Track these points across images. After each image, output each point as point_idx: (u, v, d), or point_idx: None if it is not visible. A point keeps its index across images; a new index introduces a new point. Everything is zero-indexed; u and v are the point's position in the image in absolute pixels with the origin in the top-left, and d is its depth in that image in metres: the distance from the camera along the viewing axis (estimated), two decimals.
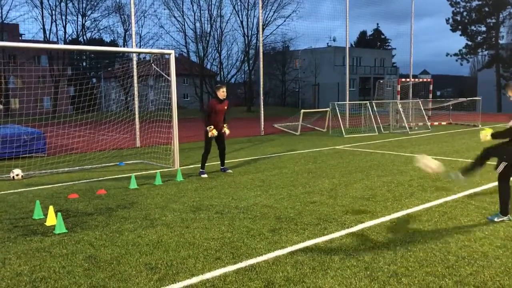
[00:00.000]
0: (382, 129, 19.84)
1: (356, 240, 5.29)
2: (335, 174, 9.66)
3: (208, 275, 4.33)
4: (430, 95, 24.46)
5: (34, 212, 6.54)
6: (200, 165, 9.96)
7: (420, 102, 22.06)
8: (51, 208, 6.26)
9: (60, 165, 11.12)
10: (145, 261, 4.73)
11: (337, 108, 19.53)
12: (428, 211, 6.55)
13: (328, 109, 20.69)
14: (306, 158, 12.13)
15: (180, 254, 4.92)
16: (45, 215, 6.34)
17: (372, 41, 77.23)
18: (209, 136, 9.50)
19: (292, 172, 10.02)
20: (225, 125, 9.79)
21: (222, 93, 9.53)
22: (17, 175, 9.68)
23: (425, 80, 26.36)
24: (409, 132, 19.48)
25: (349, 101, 23.25)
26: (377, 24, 75.76)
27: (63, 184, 9.15)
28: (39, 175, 10.23)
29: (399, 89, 22.87)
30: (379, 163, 11.05)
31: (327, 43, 59.48)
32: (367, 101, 20.80)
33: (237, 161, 11.88)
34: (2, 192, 8.39)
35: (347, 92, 23.74)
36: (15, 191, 8.52)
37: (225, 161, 10.36)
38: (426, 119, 21.73)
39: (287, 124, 21.19)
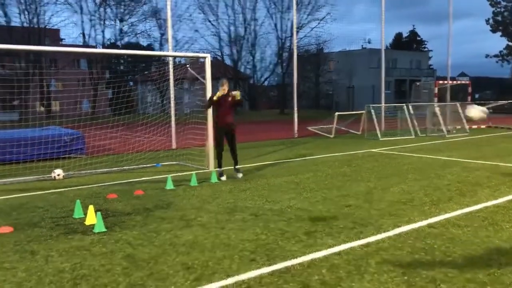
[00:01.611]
0: (418, 132, 19.44)
1: (393, 245, 5.21)
2: (371, 177, 9.53)
3: (244, 276, 4.35)
4: (469, 98, 23.81)
5: (75, 211, 6.74)
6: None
7: (458, 104, 21.51)
8: (91, 208, 6.44)
9: (98, 166, 11.42)
10: (181, 260, 4.80)
11: (372, 111, 19.27)
12: (467, 216, 6.38)
13: (363, 111, 20.44)
14: (341, 161, 12.02)
15: (215, 254, 4.97)
16: (85, 214, 6.53)
17: (408, 43, 75.90)
18: (214, 98, 9.39)
19: (327, 175, 9.95)
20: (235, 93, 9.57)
21: (221, 90, 9.39)
22: (58, 175, 10.00)
23: (463, 82, 25.69)
24: (447, 136, 19.02)
25: (384, 103, 22.90)
26: (413, 25, 74.52)
27: (102, 184, 9.40)
28: (79, 175, 10.53)
29: (436, 92, 22.36)
30: (416, 167, 10.84)
31: (362, 45, 58.90)
32: (403, 104, 20.43)
33: (270, 164, 11.89)
34: (45, 192, 8.69)
35: (383, 95, 23.40)
36: (56, 190, 8.81)
37: (257, 163, 10.38)
38: (465, 122, 21.16)
39: (321, 126, 21.06)
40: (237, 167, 9.94)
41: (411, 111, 19.68)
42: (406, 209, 6.80)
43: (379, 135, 18.27)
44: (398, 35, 76.44)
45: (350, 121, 21.77)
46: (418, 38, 78.04)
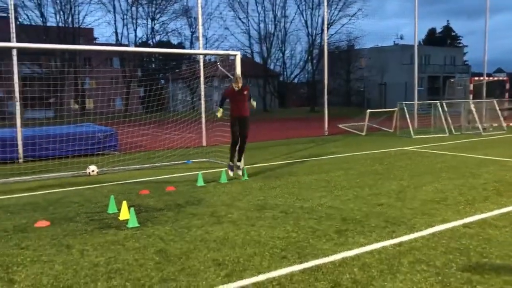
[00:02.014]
0: (453, 130, 18.98)
1: (427, 245, 5.11)
2: (404, 176, 9.37)
3: (275, 273, 4.35)
4: (506, 95, 23.08)
5: (109, 206, 6.89)
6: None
7: (495, 101, 20.88)
8: (124, 203, 6.57)
9: (131, 162, 11.63)
10: (212, 256, 4.84)
11: (405, 108, 18.93)
12: (504, 217, 6.20)
13: (395, 109, 20.10)
14: (373, 159, 11.86)
15: (246, 251, 4.99)
16: (119, 209, 6.66)
17: (442, 38, 74.19)
18: (218, 116, 9.53)
19: (358, 173, 9.84)
20: (252, 99, 9.60)
21: (234, 85, 9.25)
22: (92, 171, 10.23)
23: (500, 78, 24.93)
24: (483, 133, 18.50)
25: (417, 100, 22.46)
26: (447, 21, 72.76)
27: (135, 180, 9.57)
28: (112, 171, 10.75)
29: (471, 88, 21.77)
30: (450, 165, 10.59)
31: (394, 41, 57.93)
32: (437, 101, 19.99)
33: (300, 161, 11.84)
34: (80, 187, 8.91)
35: (416, 92, 22.94)
36: (91, 186, 9.02)
37: (287, 161, 10.34)
38: (502, 119, 20.53)
39: (352, 124, 20.83)
40: (239, 164, 9.62)
41: (445, 108, 19.22)
42: (439, 208, 6.66)
43: (412, 132, 17.93)
44: (432, 31, 74.81)
45: (382, 119, 21.44)
46: (453, 34, 76.16)
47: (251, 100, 9.60)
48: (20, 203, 7.60)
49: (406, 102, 20.02)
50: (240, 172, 9.51)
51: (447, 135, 18.12)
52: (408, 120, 18.58)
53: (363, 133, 19.44)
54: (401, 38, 55.42)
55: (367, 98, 55.33)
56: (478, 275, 4.26)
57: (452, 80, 26.89)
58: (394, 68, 52.85)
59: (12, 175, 10.04)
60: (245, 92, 9.35)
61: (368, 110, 20.42)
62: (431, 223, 5.92)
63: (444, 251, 4.90)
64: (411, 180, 8.90)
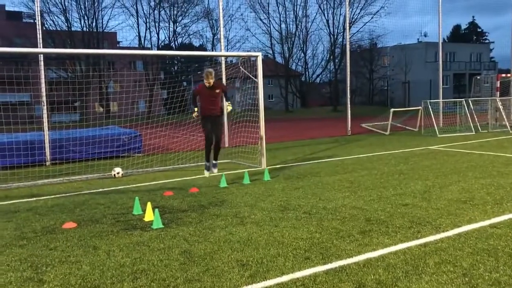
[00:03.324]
0: (479, 128, 18.60)
1: (453, 245, 5.02)
2: (429, 175, 9.23)
3: (298, 274, 4.35)
4: None
5: (134, 208, 6.99)
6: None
7: None
8: (149, 205, 6.66)
9: (155, 164, 11.78)
10: (236, 257, 4.86)
11: (430, 106, 18.65)
12: None
13: (419, 107, 19.82)
14: (397, 159, 11.73)
15: (269, 252, 5.00)
16: (144, 211, 6.76)
17: (467, 35, 72.82)
18: (193, 116, 9.16)
19: (382, 173, 9.74)
20: (227, 102, 9.23)
21: (206, 83, 8.78)
22: (117, 173, 10.40)
23: None
24: (510, 131, 18.07)
25: (442, 98, 22.09)
26: (473, 17, 71.31)
27: (159, 181, 9.69)
28: (137, 173, 10.91)
29: (498, 85, 21.30)
30: (476, 164, 10.39)
31: (418, 39, 57.10)
32: (463, 99, 19.62)
33: (323, 162, 11.79)
34: (106, 189, 9.07)
35: (440, 90, 22.57)
36: (116, 188, 9.16)
37: (310, 161, 10.29)
38: None
39: (376, 123, 20.63)
40: (215, 162, 9.35)
41: (471, 106, 18.86)
42: (466, 209, 6.54)
43: (437, 131, 17.65)
44: (457, 27, 73.47)
45: (406, 118, 21.18)
46: (479, 30, 74.67)
47: (227, 103, 9.23)
48: (48, 205, 7.78)
49: (431, 101, 19.73)
50: (215, 170, 9.29)
51: (474, 133, 17.77)
52: (433, 119, 18.29)
53: (387, 133, 19.23)
54: (425, 35, 54.52)
55: (391, 97, 54.72)
56: (506, 276, 4.17)
57: (478, 77, 26.36)
58: (418, 66, 52.09)
59: (40, 177, 10.29)
60: (218, 91, 8.94)
61: (392, 109, 20.19)
62: (458, 223, 5.82)
63: (471, 252, 4.81)
64: (436, 179, 8.76)
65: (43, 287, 4.27)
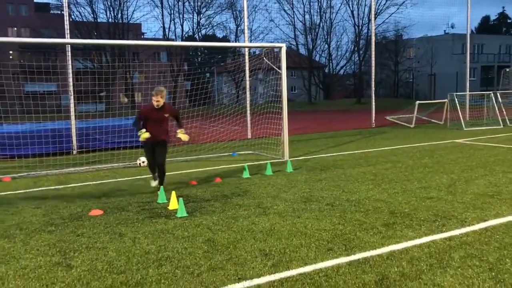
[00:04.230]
0: (507, 122, 18.16)
1: (479, 239, 4.95)
2: (454, 169, 9.09)
3: (321, 265, 4.36)
4: None
5: (158, 196, 7.09)
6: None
7: None
8: (173, 194, 6.75)
9: (179, 154, 11.89)
10: (259, 247, 4.90)
11: (456, 99, 18.29)
12: None
13: (445, 100, 19.46)
14: (422, 152, 11.57)
15: (292, 242, 5.02)
16: (168, 199, 6.85)
17: (497, 26, 70.90)
18: (140, 137, 7.55)
19: (407, 166, 9.63)
20: (180, 130, 7.96)
21: (154, 102, 7.51)
22: (143, 162, 10.53)
23: None
24: None
25: (469, 91, 21.63)
26: (503, 7, 69.39)
27: (182, 171, 9.80)
28: None
29: None
30: (504, 158, 10.17)
31: (444, 30, 55.91)
32: (491, 92, 19.18)
33: (346, 154, 11.72)
34: (131, 178, 9.22)
35: (467, 82, 22.10)
36: (141, 177, 9.30)
37: (333, 153, 10.19)
38: None
39: (400, 116, 20.36)
40: (154, 184, 8.02)
41: (499, 99, 18.42)
42: (493, 203, 6.42)
43: (463, 124, 17.32)
44: (486, 18, 71.66)
45: (431, 110, 20.83)
46: (509, 21, 72.61)
47: (180, 130, 7.96)
48: (75, 193, 7.96)
49: (457, 93, 19.34)
50: (153, 183, 8.01)
51: (501, 127, 17.37)
52: (459, 112, 17.95)
53: (412, 125, 18.96)
54: (452, 27, 53.34)
55: (416, 90, 53.82)
56: None
57: (507, 70, 25.71)
58: (445, 58, 51.02)
59: (67, 165, 10.52)
60: (166, 115, 7.73)
61: (417, 102, 19.89)
62: (484, 218, 5.73)
63: (498, 246, 4.74)
64: (462, 173, 8.62)
65: (71, 271, 4.39)
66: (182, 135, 7.92)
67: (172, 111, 7.98)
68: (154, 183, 8.00)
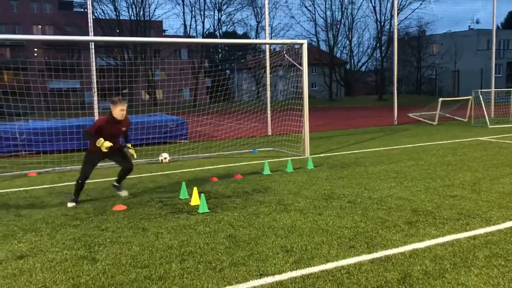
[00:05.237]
0: None
1: (504, 239, 4.87)
2: (479, 167, 8.94)
3: (343, 262, 4.35)
4: None
5: (180, 192, 7.17)
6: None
7: None
8: (195, 190, 6.81)
9: (200, 150, 11.99)
10: (280, 243, 4.91)
11: (481, 96, 17.95)
12: None
13: (470, 97, 19.12)
14: (445, 150, 11.40)
15: (314, 239, 5.02)
16: (190, 195, 6.92)
17: None
18: (102, 148, 6.61)
19: (429, 164, 9.51)
20: (129, 145, 7.26)
21: (120, 111, 6.74)
22: (165, 158, 10.66)
23: None
24: None
25: (494, 88, 21.20)
26: None
27: (204, 168, 9.87)
28: (183, 159, 11.14)
29: None
30: None
31: (469, 26, 54.90)
32: None
33: (368, 151, 11.63)
34: (153, 174, 9.33)
35: (493, 79, 21.65)
36: (163, 173, 9.41)
37: (354, 150, 10.13)
38: None
39: (423, 113, 20.09)
40: (116, 184, 7.39)
41: None
42: None
43: (488, 122, 16.99)
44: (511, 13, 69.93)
45: (455, 108, 20.50)
46: None
47: (130, 145, 7.26)
48: (99, 188, 8.10)
49: (482, 90, 18.98)
50: (123, 193, 7.31)
51: None
52: (484, 109, 17.61)
53: (435, 123, 18.69)
54: (477, 22, 52.40)
55: (439, 86, 53.01)
56: None
57: None
58: (469, 54, 50.12)
59: None
60: (124, 129, 7.06)
61: (440, 99, 19.59)
62: (510, 217, 5.62)
63: None
64: (486, 171, 8.47)
65: (96, 265, 4.48)
66: (133, 152, 7.19)
67: (128, 124, 7.19)
68: (124, 193, 7.24)
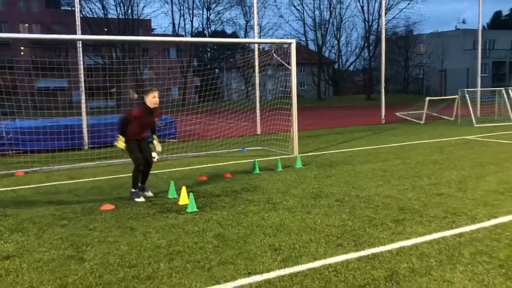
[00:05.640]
0: None
1: (489, 236, 4.94)
2: (465, 165, 9.05)
3: (331, 260, 4.38)
4: None
5: (169, 191, 7.16)
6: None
7: None
8: (183, 189, 6.80)
9: (189, 150, 11.96)
10: (269, 242, 4.93)
11: (467, 96, 18.15)
12: None
13: (456, 96, 19.33)
14: (432, 148, 11.52)
15: (302, 238, 5.05)
16: (178, 195, 6.91)
17: (509, 21, 70.02)
18: (117, 144, 6.81)
19: (416, 162, 9.60)
20: (155, 136, 7.29)
21: (152, 99, 6.83)
22: (153, 157, 10.59)
23: None
24: None
25: (480, 87, 21.44)
26: None
27: (193, 167, 9.86)
28: (171, 158, 11.12)
29: None
30: None
31: (455, 26, 55.47)
32: (502, 88, 19.00)
33: (356, 150, 11.70)
34: None
35: (479, 78, 21.90)
36: (152, 172, 9.27)
37: (342, 149, 10.21)
38: None
39: (410, 112, 20.26)
40: (142, 185, 7.28)
41: (511, 96, 18.24)
42: (504, 200, 6.40)
43: (474, 121, 17.19)
44: (497, 14, 70.88)
45: (442, 107, 20.70)
46: None
47: (155, 137, 7.28)
48: (87, 188, 8.05)
49: (468, 89, 19.19)
50: (150, 193, 7.25)
51: None
52: (470, 108, 17.81)
53: (422, 122, 18.87)
54: (463, 22, 53.06)
55: (426, 86, 53.48)
56: None
57: None
58: (455, 54, 50.63)
59: (79, 160, 10.63)
60: (156, 118, 7.20)
61: (427, 98, 19.77)
62: (494, 214, 5.71)
63: (508, 243, 4.73)
64: (473, 170, 8.58)
65: (83, 265, 4.46)
66: (158, 146, 7.21)
67: (159, 114, 7.29)
68: (140, 199, 6.96)
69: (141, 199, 6.94)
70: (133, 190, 7.04)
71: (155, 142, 7.23)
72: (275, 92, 14.72)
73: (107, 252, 4.77)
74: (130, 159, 7.19)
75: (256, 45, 17.11)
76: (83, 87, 13.23)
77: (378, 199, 6.61)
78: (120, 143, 6.77)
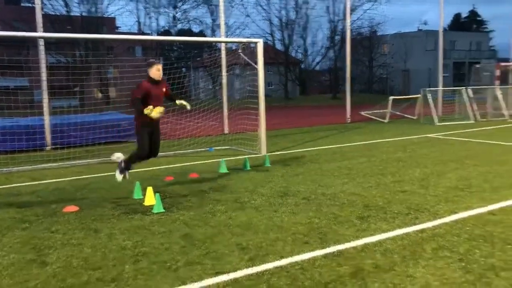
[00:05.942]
0: (478, 117, 18.62)
1: (450, 231, 5.10)
2: (427, 163, 9.30)
3: (297, 258, 4.42)
4: None
5: (134, 192, 7.05)
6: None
7: None
8: (149, 189, 6.70)
9: None
10: (236, 241, 4.93)
11: (429, 95, 18.64)
12: None
13: (419, 95, 19.83)
14: (395, 147, 11.78)
15: (269, 236, 5.07)
16: (144, 195, 6.81)
17: (467, 23, 72.51)
18: (152, 115, 6.52)
19: (381, 160, 9.80)
20: (178, 99, 7.35)
21: (156, 71, 6.79)
22: (118, 158, 10.40)
23: None
24: (509, 120, 18.11)
25: (442, 87, 22.07)
26: (473, 5, 70.97)
27: (159, 167, 9.74)
28: None
29: (498, 74, 21.29)
30: (475, 153, 10.45)
31: (418, 27, 56.88)
32: (462, 87, 19.62)
33: (322, 149, 11.84)
34: (105, 174, 9.11)
35: (440, 78, 22.53)
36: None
37: (309, 148, 10.30)
38: None
39: (375, 111, 20.63)
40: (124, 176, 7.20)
41: (471, 95, 18.85)
42: (464, 196, 6.61)
43: (435, 120, 17.67)
44: (457, 16, 73.18)
45: (405, 106, 21.19)
46: (478, 18, 74.34)
47: (177, 99, 7.27)
48: (49, 189, 7.84)
49: (430, 89, 19.72)
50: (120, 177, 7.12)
51: (473, 122, 17.82)
52: (432, 107, 18.31)
53: (386, 120, 19.27)
54: (425, 23, 54.51)
55: (390, 85, 54.58)
56: (502, 261, 4.25)
57: (477, 66, 26.34)
58: (418, 54, 51.94)
59: (41, 161, 10.33)
60: (164, 89, 7.04)
61: (391, 97, 20.20)
62: (455, 210, 5.89)
63: (467, 237, 4.89)
64: (434, 167, 8.83)
65: (45, 268, 4.34)
66: (182, 102, 7.25)
67: (165, 84, 7.11)
68: (125, 175, 7.03)
69: (120, 179, 7.04)
70: (123, 166, 7.08)
71: (181, 101, 7.27)
72: (243, 91, 14.72)
73: (71, 255, 4.66)
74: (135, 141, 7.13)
75: (223, 44, 17.06)
76: (45, 86, 12.85)
77: (344, 197, 6.71)
78: (154, 111, 6.48)
